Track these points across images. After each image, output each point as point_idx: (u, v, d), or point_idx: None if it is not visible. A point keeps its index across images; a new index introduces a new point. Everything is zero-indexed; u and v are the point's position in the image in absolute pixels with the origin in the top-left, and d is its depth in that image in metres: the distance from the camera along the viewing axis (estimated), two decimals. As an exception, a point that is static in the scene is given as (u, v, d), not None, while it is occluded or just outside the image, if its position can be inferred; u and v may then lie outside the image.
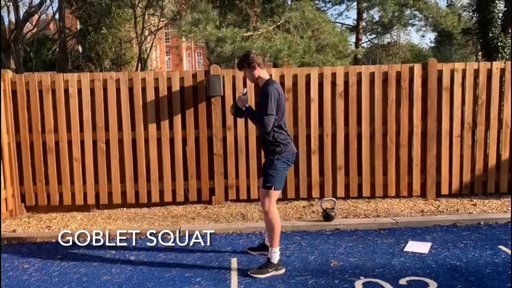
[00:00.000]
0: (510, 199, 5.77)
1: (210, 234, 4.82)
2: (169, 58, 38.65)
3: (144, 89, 5.83)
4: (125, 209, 5.95)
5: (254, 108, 4.03)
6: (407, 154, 5.95)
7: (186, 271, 3.91)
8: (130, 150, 5.86)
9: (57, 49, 20.79)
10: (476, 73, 5.84)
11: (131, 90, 5.82)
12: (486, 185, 5.99)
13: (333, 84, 5.85)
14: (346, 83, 5.84)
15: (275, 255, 3.79)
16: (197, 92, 5.87)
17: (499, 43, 11.87)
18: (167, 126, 5.87)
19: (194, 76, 5.88)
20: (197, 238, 4.72)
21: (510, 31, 11.89)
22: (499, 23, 11.96)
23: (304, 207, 5.73)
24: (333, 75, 5.84)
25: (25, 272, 3.99)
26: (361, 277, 3.66)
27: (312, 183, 5.91)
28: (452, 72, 5.82)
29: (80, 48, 21.31)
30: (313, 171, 5.89)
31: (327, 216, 5.03)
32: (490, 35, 11.80)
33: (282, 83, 5.82)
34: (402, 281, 3.56)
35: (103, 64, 20.11)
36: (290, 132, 5.79)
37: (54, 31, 21.86)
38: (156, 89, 5.84)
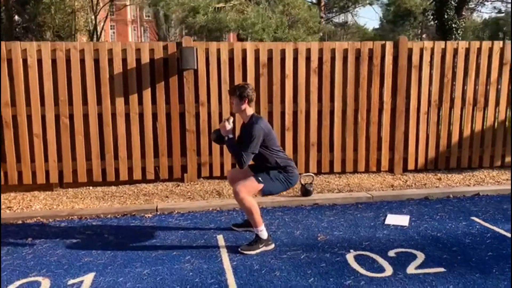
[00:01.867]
0: (472, 174, 6.08)
1: (190, 211, 4.74)
2: (114, 32, 36.95)
3: (111, 61, 5.49)
4: (91, 187, 5.66)
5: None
6: (377, 131, 6.07)
7: (173, 250, 3.77)
8: (96, 125, 5.54)
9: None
10: (443, 52, 6.02)
11: (96, 61, 5.47)
12: (449, 160, 6.27)
13: (307, 60, 5.81)
14: (320, 59, 5.83)
15: (263, 232, 3.74)
16: (168, 65, 5.63)
17: (453, 25, 12.36)
18: (136, 101, 5.59)
19: (165, 48, 5.61)
20: (176, 216, 4.62)
21: (463, 13, 12.42)
22: (454, 5, 12.43)
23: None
24: (308, 51, 5.79)
25: (-5, 256, 3.69)
26: (351, 250, 3.70)
27: (286, 160, 5.89)
28: (422, 50, 5.97)
29: (17, 18, 19.80)
30: (286, 148, 5.87)
31: (306, 191, 5.05)
32: (446, 16, 12.25)
33: (257, 58, 5.72)
34: (391, 253, 3.65)
35: (45, 36, 18.87)
36: (266, 109, 5.76)
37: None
38: (124, 61, 5.53)
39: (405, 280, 3.17)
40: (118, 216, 4.62)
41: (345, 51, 5.85)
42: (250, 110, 3.78)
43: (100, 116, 5.55)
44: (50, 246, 3.87)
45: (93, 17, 19.74)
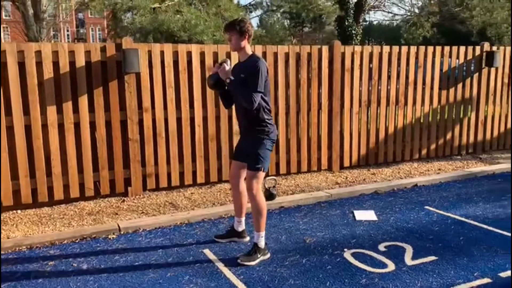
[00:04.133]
0: (398, 167, 6.65)
1: (156, 228, 4.38)
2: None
3: (39, 64, 4.79)
4: (19, 211, 4.86)
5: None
6: (317, 131, 6.29)
7: (165, 271, 3.43)
8: (23, 139, 4.78)
9: None
10: (371, 55, 6.48)
11: (22, 65, 4.72)
12: (378, 156, 6.77)
13: (252, 63, 5.76)
14: (263, 62, 5.82)
15: (262, 240, 3.63)
16: (106, 68, 5.10)
17: (353, 31, 13.41)
18: (70, 109, 4.96)
19: (103, 50, 5.08)
20: (143, 234, 4.22)
21: (360, 21, 13.55)
22: (352, 13, 13.50)
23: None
24: (252, 54, 5.74)
25: None
26: (345, 249, 3.78)
27: (235, 165, 5.77)
28: (353, 54, 6.34)
29: None
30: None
31: (270, 195, 4.93)
32: (346, 23, 13.24)
33: (203, 61, 5.51)
34: (381, 248, 3.81)
35: None
36: (213, 113, 5.59)
37: None
38: (56, 64, 4.86)
39: (411, 272, 3.34)
40: (76, 241, 4.04)
41: (286, 55, 5.94)
42: (249, 48, 3.55)
43: (28, 127, 4.80)
44: (11, 284, 3.23)
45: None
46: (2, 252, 3.81)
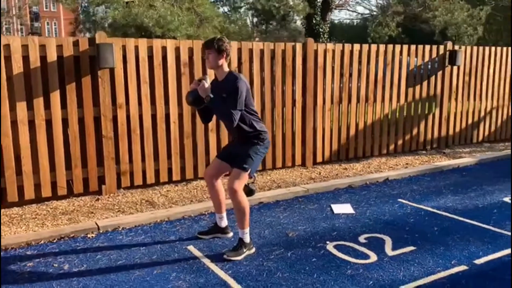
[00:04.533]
0: (368, 162, 6.84)
1: (136, 226, 4.31)
2: None
3: (8, 59, 4.60)
4: (-13, 212, 4.66)
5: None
6: (291, 128, 6.37)
7: (151, 268, 3.39)
8: (-9, 136, 4.58)
9: None
10: (342, 53, 6.62)
11: (-11, 59, 4.53)
12: (348, 151, 6.93)
13: (227, 59, 5.75)
14: (239, 59, 5.83)
15: (247, 235, 3.66)
16: (79, 63, 4.97)
17: (320, 29, 13.59)
18: (42, 105, 4.80)
19: (76, 44, 4.94)
20: (123, 232, 4.15)
21: (327, 19, 13.75)
22: (320, 11, 13.67)
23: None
24: (227, 50, 5.74)
25: None
26: (327, 242, 3.86)
27: (210, 161, 5.76)
28: (325, 52, 6.46)
29: None
30: (211, 149, 5.75)
31: (250, 191, 4.92)
32: (314, 21, 13.40)
33: (178, 57, 5.46)
34: (362, 239, 3.92)
35: None
36: (189, 111, 5.55)
37: None
38: (26, 58, 4.69)
39: (393, 262, 3.46)
40: (54, 241, 3.91)
41: (261, 52, 5.98)
42: (226, 66, 3.56)
43: (-4, 124, 4.60)
44: (-9, 288, 3.10)
45: None
46: None
